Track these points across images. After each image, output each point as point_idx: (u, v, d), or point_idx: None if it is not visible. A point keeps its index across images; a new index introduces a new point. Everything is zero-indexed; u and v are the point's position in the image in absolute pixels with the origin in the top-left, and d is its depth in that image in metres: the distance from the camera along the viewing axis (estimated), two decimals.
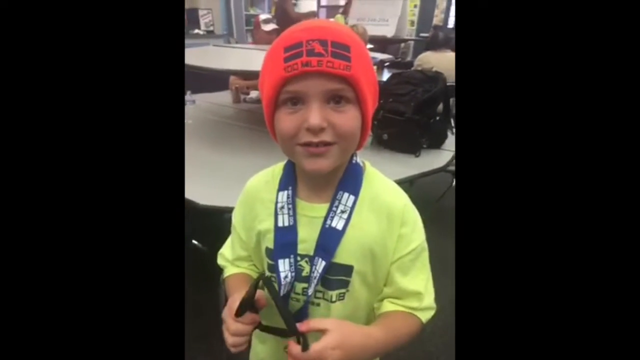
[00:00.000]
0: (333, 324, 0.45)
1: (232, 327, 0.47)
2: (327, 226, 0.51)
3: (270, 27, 2.79)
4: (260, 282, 0.46)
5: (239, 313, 0.46)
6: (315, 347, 0.42)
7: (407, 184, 2.28)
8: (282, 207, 0.53)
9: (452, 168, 1.92)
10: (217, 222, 1.21)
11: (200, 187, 1.20)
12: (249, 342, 0.51)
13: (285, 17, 3.51)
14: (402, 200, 0.54)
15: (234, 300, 0.48)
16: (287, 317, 0.45)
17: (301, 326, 0.44)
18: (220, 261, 0.64)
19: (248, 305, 0.46)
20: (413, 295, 0.54)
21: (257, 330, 0.65)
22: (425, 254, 0.55)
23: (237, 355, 0.71)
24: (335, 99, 0.44)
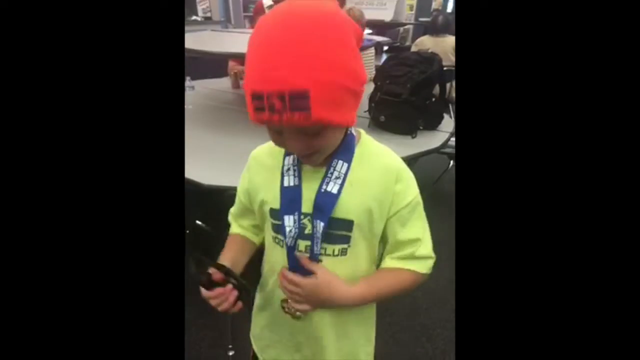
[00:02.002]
0: (320, 271, 0.56)
1: (210, 298, 0.57)
2: (322, 190, 0.56)
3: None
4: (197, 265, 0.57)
5: (207, 289, 0.56)
6: (297, 279, 0.56)
7: (405, 164, 2.32)
8: (288, 169, 0.58)
9: (448, 150, 1.95)
10: (220, 204, 1.25)
11: (203, 169, 1.23)
12: (247, 305, 0.59)
13: None
14: (395, 159, 0.59)
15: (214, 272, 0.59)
16: (233, 274, 0.57)
17: (302, 259, 0.57)
18: (230, 218, 0.73)
19: (208, 283, 0.56)
20: (411, 243, 0.59)
21: (257, 299, 0.70)
22: (421, 207, 0.60)
23: (240, 324, 0.76)
24: (308, 131, 0.48)
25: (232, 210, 0.72)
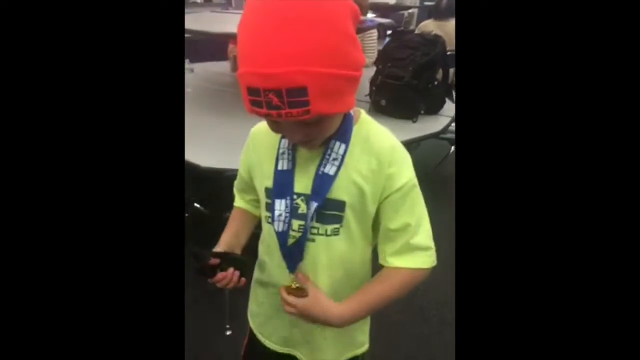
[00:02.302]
0: (312, 291, 0.58)
1: (216, 282, 0.60)
2: (320, 172, 0.55)
3: None
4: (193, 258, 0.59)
5: (211, 276, 0.60)
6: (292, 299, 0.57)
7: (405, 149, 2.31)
8: (283, 153, 0.58)
9: (449, 135, 1.94)
10: (218, 186, 1.25)
11: (202, 151, 1.23)
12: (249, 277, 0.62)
13: None
14: (390, 141, 0.57)
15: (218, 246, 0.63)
16: (231, 256, 0.62)
17: (299, 275, 0.59)
18: (234, 190, 0.74)
19: (210, 271, 0.60)
20: (403, 231, 0.57)
21: (256, 276, 0.71)
22: (415, 192, 0.57)
23: (237, 304, 0.77)
24: (306, 122, 0.46)
25: (236, 183, 0.73)
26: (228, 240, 0.67)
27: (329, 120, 0.49)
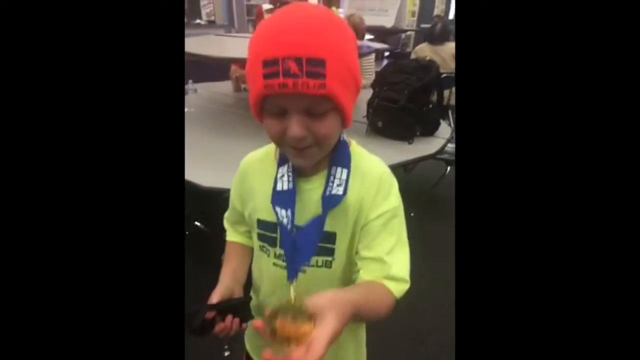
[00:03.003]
0: (322, 302, 0.41)
1: (219, 334, 0.57)
2: (327, 194, 0.54)
3: None
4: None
5: (212, 330, 0.56)
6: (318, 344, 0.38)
7: (402, 171, 2.35)
8: (282, 176, 0.56)
9: (445, 156, 1.98)
10: (218, 204, 1.27)
11: (202, 170, 1.26)
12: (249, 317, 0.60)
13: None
14: (380, 168, 0.57)
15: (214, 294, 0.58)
16: (232, 304, 0.58)
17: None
18: (225, 224, 0.72)
19: (210, 326, 0.56)
20: (380, 261, 0.54)
21: (253, 301, 0.70)
22: (396, 221, 0.55)
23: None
24: (314, 111, 0.46)
25: (227, 215, 0.71)
26: (227, 283, 0.61)
27: (333, 121, 0.48)
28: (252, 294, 0.71)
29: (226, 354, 1.38)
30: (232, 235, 0.70)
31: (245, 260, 0.69)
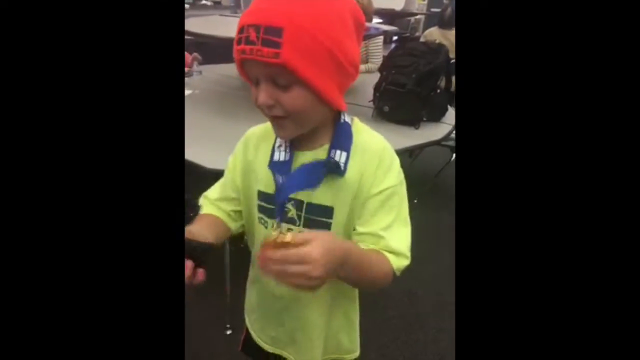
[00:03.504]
0: (315, 234, 0.43)
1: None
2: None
3: None
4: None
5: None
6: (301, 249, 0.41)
7: (407, 156, 2.32)
8: (280, 146, 0.57)
9: (451, 142, 1.95)
10: None
11: (206, 152, 1.26)
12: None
13: None
14: (381, 144, 0.57)
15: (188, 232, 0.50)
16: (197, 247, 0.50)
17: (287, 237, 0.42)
18: (202, 200, 0.66)
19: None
20: (378, 236, 0.54)
21: (250, 273, 0.71)
22: (396, 198, 0.56)
23: (238, 304, 0.78)
24: (277, 82, 0.47)
25: (210, 193, 0.66)
26: (193, 230, 0.53)
27: (301, 93, 0.47)
28: (250, 266, 0.71)
29: (228, 332, 1.41)
30: (211, 209, 0.64)
31: (213, 230, 0.58)
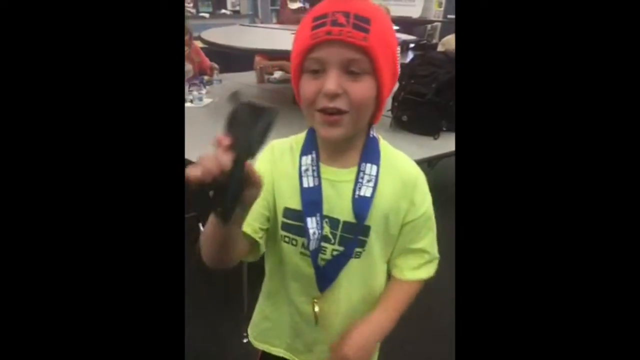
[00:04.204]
0: (347, 346, 0.58)
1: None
2: (357, 196, 0.55)
3: (296, 5, 2.81)
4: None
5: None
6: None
7: (426, 166, 2.30)
8: (307, 170, 0.56)
9: None
10: None
11: None
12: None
13: None
14: (415, 168, 0.60)
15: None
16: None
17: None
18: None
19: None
20: (421, 253, 0.63)
21: (265, 287, 0.70)
22: (432, 216, 0.62)
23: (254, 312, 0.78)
24: (352, 69, 0.48)
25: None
26: None
27: (370, 87, 0.49)
28: (266, 282, 0.70)
29: (245, 340, 1.41)
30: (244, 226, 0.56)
31: (240, 246, 0.54)
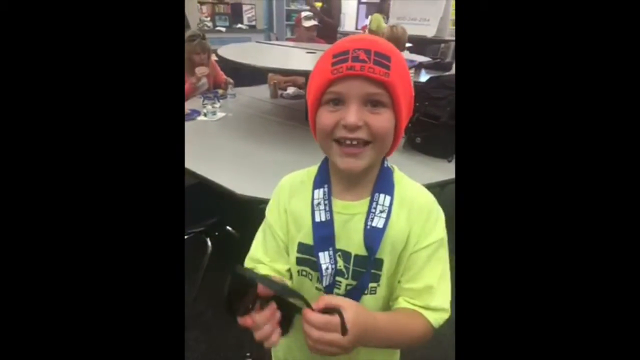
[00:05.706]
0: (347, 303, 0.46)
1: (256, 321, 0.45)
2: (369, 227, 0.54)
3: (310, 23, 2.86)
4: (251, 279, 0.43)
5: (242, 312, 0.44)
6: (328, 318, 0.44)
7: (438, 189, 2.27)
8: (319, 204, 0.56)
9: None
10: (248, 210, 1.28)
11: (237, 177, 1.27)
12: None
13: (328, 12, 3.60)
14: (428, 196, 0.58)
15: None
16: (297, 294, 0.43)
17: (318, 303, 0.45)
18: (250, 264, 0.62)
19: (248, 305, 0.43)
20: (425, 291, 0.54)
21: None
22: (443, 251, 0.56)
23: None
24: (372, 102, 0.49)
25: (258, 254, 0.62)
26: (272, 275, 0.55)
27: (390, 119, 0.50)
28: None
29: None
30: (269, 272, 0.60)
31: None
